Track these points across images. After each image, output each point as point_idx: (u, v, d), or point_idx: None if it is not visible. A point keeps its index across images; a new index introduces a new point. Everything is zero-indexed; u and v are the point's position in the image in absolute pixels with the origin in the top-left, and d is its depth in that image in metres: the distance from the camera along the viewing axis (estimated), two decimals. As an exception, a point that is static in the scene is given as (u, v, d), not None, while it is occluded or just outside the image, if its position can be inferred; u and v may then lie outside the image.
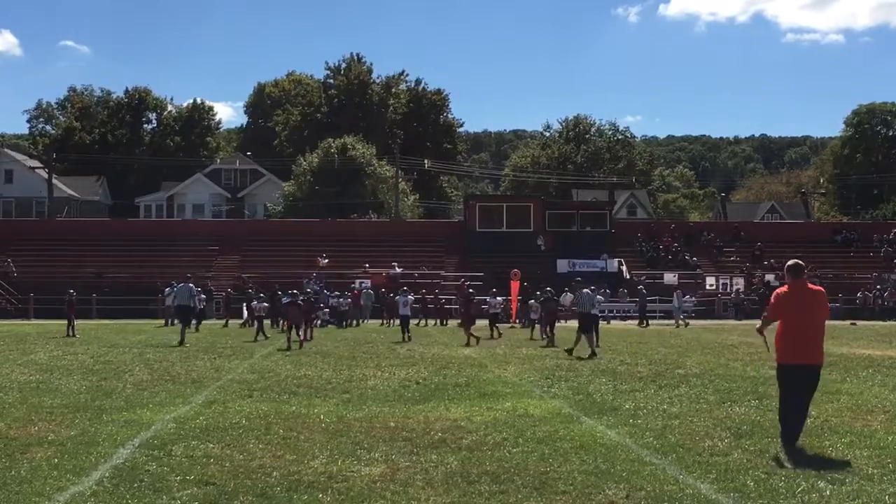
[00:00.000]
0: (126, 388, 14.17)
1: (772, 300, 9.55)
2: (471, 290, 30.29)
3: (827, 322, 9.99)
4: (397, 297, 29.22)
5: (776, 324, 9.52)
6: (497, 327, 29.22)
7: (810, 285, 9.61)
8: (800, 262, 9.59)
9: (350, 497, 7.12)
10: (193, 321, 27.70)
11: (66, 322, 28.94)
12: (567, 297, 38.80)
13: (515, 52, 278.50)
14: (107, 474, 7.84)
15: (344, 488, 7.37)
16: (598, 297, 23.27)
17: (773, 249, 51.55)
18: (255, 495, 7.15)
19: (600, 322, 26.05)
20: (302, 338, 24.49)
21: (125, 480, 7.61)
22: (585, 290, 22.17)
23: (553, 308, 26.53)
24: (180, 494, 7.18)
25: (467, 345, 24.01)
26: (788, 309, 9.36)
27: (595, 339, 25.01)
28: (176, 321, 28.66)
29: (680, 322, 37.78)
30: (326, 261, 46.93)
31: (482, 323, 28.66)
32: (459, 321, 26.19)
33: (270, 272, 44.16)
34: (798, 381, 9.27)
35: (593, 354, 20.39)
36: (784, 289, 9.53)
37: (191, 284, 26.34)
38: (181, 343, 23.70)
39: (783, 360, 9.38)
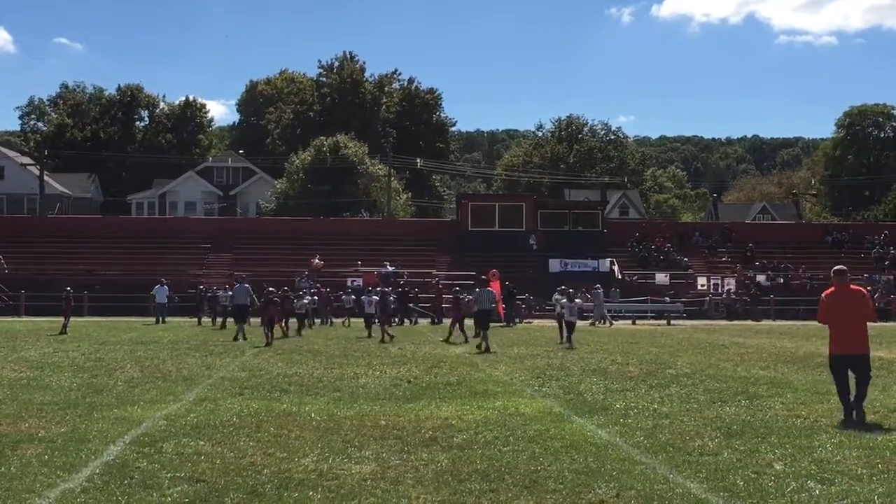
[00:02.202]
0: (117, 386, 14.16)
1: (820, 302, 11.15)
2: (387, 290, 30.59)
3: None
4: (363, 297, 29.71)
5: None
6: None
7: (852, 286, 11.15)
8: (844, 267, 11.31)
9: (340, 495, 7.13)
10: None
11: (61, 319, 28.80)
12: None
13: (508, 51, 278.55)
14: (97, 471, 7.83)
15: (334, 486, 7.39)
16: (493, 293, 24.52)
17: (765, 250, 51.74)
18: (245, 493, 7.16)
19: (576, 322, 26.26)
20: (279, 334, 24.96)
21: (115, 477, 7.61)
22: (488, 289, 23.99)
23: (465, 305, 27.54)
24: (170, 491, 7.18)
25: (382, 341, 24.97)
26: (834, 307, 10.88)
27: (567, 336, 24.93)
28: (217, 319, 33.25)
29: (599, 322, 37.19)
30: (320, 262, 46.73)
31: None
32: (378, 319, 27.10)
33: (262, 270, 44.08)
34: (847, 368, 10.78)
35: (487, 349, 21.49)
36: (829, 290, 11.08)
37: (246, 284, 27.50)
38: (235, 339, 25.02)
39: (834, 352, 10.94)
